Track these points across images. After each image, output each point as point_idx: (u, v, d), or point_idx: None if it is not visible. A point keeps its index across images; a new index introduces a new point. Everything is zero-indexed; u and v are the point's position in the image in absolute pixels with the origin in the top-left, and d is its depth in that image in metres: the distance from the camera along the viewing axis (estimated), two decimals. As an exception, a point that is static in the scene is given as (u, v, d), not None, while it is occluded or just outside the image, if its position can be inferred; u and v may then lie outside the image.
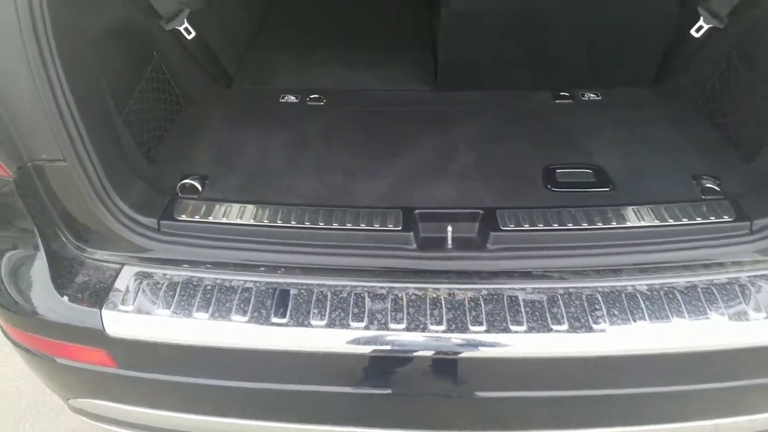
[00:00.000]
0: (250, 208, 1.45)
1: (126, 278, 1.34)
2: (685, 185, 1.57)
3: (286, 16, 2.62)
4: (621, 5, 1.80)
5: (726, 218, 1.42)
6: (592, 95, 1.99)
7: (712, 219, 1.42)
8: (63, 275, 1.36)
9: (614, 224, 1.40)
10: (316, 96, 2.01)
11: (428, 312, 1.27)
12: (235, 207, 1.45)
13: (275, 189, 1.57)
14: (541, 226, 1.40)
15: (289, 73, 2.18)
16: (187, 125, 1.85)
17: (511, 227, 1.40)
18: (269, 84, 2.12)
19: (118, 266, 1.37)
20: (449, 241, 1.40)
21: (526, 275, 1.36)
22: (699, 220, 1.42)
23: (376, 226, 1.40)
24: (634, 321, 1.25)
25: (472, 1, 1.81)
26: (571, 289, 1.32)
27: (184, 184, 1.55)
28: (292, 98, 2.01)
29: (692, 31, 1.85)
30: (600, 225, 1.40)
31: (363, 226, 1.40)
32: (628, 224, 1.40)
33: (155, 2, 1.77)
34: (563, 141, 1.77)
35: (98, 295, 1.31)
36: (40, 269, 1.38)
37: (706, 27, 1.83)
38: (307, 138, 1.79)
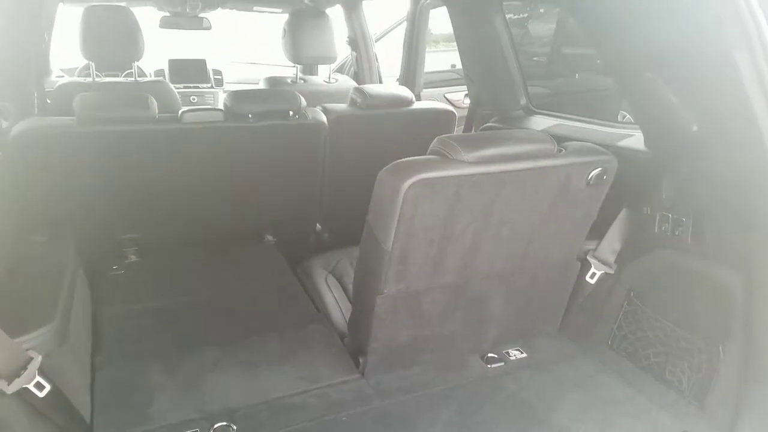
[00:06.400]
0: None
1: None
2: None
3: (128, 316, 2.08)
4: (535, 257, 1.85)
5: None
6: (515, 352, 1.94)
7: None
8: None
9: None
10: (224, 424, 1.54)
11: None
12: None
13: None
14: None
15: (171, 396, 1.65)
16: None
17: None
18: (148, 421, 1.56)
19: None
20: None
21: None
22: None
23: None
24: None
25: (403, 283, 1.65)
26: None
27: None
28: None
29: (587, 278, 1.98)
30: None
31: None
32: None
33: None
34: (533, 420, 1.63)
35: None
36: None
37: (598, 273, 1.97)
38: None
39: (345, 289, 2.25)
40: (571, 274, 1.96)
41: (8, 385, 1.23)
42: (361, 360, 1.81)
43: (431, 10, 3.60)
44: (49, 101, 3.16)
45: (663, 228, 1.83)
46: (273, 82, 3.54)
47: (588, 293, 2.02)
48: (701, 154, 1.69)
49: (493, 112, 2.67)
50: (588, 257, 1.97)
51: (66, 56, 4.04)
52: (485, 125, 2.67)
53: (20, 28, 2.76)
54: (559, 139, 1.71)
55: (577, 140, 1.84)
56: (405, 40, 3.70)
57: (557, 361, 1.91)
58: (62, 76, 3.83)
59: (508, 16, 2.48)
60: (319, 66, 4.26)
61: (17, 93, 2.77)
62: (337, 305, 2.17)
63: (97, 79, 3.22)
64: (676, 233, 1.79)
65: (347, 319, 2.04)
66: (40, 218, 2.06)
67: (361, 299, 1.80)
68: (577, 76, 4.12)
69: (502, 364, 1.89)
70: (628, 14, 1.60)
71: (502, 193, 1.60)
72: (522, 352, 1.95)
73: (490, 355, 1.91)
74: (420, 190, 1.47)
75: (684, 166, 1.76)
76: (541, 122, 2.42)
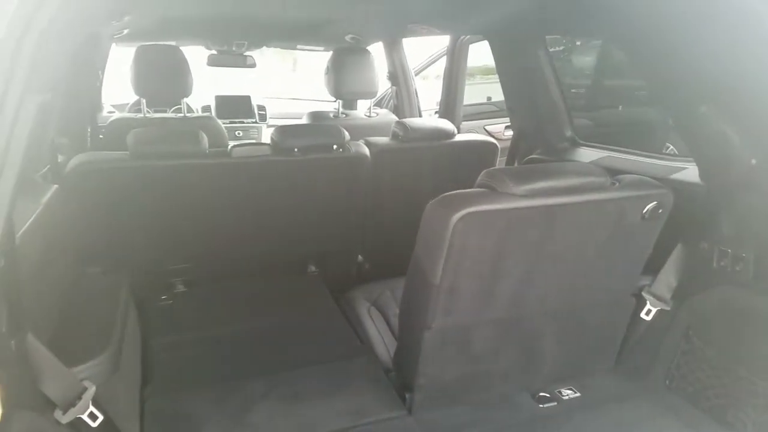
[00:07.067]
0: None
1: None
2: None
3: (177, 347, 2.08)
4: (589, 293, 1.79)
5: None
6: (568, 391, 1.87)
7: None
8: None
9: None
10: None
11: None
12: None
13: None
14: None
15: (218, 428, 1.64)
16: None
17: None
18: None
19: None
20: None
21: None
22: None
23: None
24: None
25: (451, 318, 1.62)
26: None
27: None
28: None
29: (642, 314, 1.91)
30: None
31: None
32: None
33: (48, 388, 1.22)
34: None
35: None
36: None
37: (654, 310, 1.90)
38: None
39: (388, 321, 2.23)
40: (626, 311, 1.90)
41: (63, 414, 1.24)
42: (407, 396, 1.77)
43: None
44: (101, 136, 3.29)
45: (722, 263, 1.76)
46: (316, 116, 3.61)
47: (643, 331, 1.95)
48: (761, 188, 1.63)
49: (537, 144, 2.65)
50: (643, 293, 1.90)
51: (116, 92, 4.22)
52: (529, 157, 2.65)
53: (76, 67, 2.90)
54: (610, 172, 1.68)
55: (627, 173, 1.80)
56: (445, 74, 3.75)
57: (613, 401, 1.83)
58: (113, 112, 3.98)
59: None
60: (358, 100, 4.33)
61: (72, 129, 2.89)
62: (380, 337, 2.15)
63: (147, 115, 3.34)
64: (737, 269, 1.71)
65: (391, 352, 2.01)
66: (94, 249, 2.11)
67: (408, 333, 1.78)
68: (620, 108, 4.08)
69: (555, 404, 1.82)
70: (681, 47, 1.57)
71: (553, 228, 1.57)
72: (575, 392, 1.88)
73: (541, 394, 1.85)
74: (469, 224, 1.46)
75: (743, 199, 1.70)
76: (587, 154, 2.38)
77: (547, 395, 1.85)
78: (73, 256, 1.99)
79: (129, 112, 4.10)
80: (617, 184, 1.64)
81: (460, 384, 1.75)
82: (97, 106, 3.84)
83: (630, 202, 1.62)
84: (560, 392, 1.87)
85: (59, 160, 2.20)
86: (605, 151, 2.36)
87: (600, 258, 1.70)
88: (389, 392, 1.82)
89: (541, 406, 1.81)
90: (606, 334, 1.91)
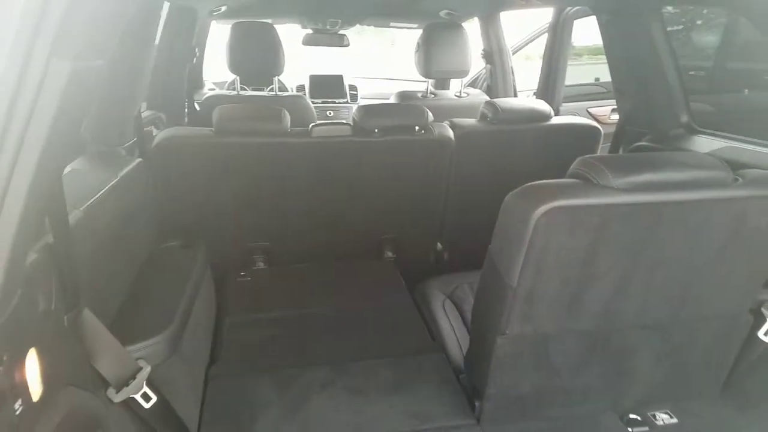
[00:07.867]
0: None
1: None
2: None
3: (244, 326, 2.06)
4: (696, 307, 1.54)
5: None
6: (664, 416, 1.64)
7: None
8: None
9: None
10: None
11: None
12: None
13: None
14: None
15: (278, 415, 1.59)
16: None
17: None
18: None
19: None
20: None
21: None
22: None
23: None
24: None
25: (529, 325, 1.45)
26: None
27: None
28: None
29: (760, 334, 1.63)
30: None
31: None
32: None
33: (101, 366, 1.21)
34: None
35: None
36: None
37: (777, 330, 1.62)
38: None
39: (463, 317, 2.09)
40: (740, 330, 1.62)
41: (116, 393, 1.23)
42: (477, 404, 1.63)
43: (575, 21, 3.34)
44: (198, 109, 3.38)
45: None
46: (404, 96, 3.49)
47: (760, 353, 1.66)
48: None
49: (647, 129, 2.35)
50: (763, 309, 1.61)
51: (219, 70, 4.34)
52: (636, 145, 2.36)
53: (176, 46, 2.97)
54: (732, 166, 1.41)
55: (753, 167, 1.52)
56: (545, 52, 3.47)
57: (716, 431, 1.58)
58: (213, 89, 4.09)
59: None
60: (451, 81, 4.15)
61: (170, 104, 2.98)
62: (453, 334, 2.01)
63: (241, 93, 3.38)
64: None
65: (464, 351, 1.87)
66: (175, 224, 2.14)
67: (479, 337, 1.63)
68: (746, 92, 3.59)
69: (647, 429, 1.60)
70: None
71: (658, 229, 1.35)
72: (672, 417, 1.64)
73: (631, 416, 1.63)
74: (555, 220, 1.28)
75: None
76: (706, 144, 2.07)
77: (638, 418, 1.63)
78: (153, 229, 2.02)
79: (227, 89, 4.20)
80: (740, 180, 1.38)
81: (537, 398, 1.57)
82: (197, 83, 3.96)
83: (755, 203, 1.35)
84: (654, 416, 1.64)
85: (154, 134, 2.24)
86: (727, 141, 2.04)
87: (713, 266, 1.45)
88: (458, 397, 1.69)
89: (630, 429, 1.59)
90: (714, 355, 1.64)
